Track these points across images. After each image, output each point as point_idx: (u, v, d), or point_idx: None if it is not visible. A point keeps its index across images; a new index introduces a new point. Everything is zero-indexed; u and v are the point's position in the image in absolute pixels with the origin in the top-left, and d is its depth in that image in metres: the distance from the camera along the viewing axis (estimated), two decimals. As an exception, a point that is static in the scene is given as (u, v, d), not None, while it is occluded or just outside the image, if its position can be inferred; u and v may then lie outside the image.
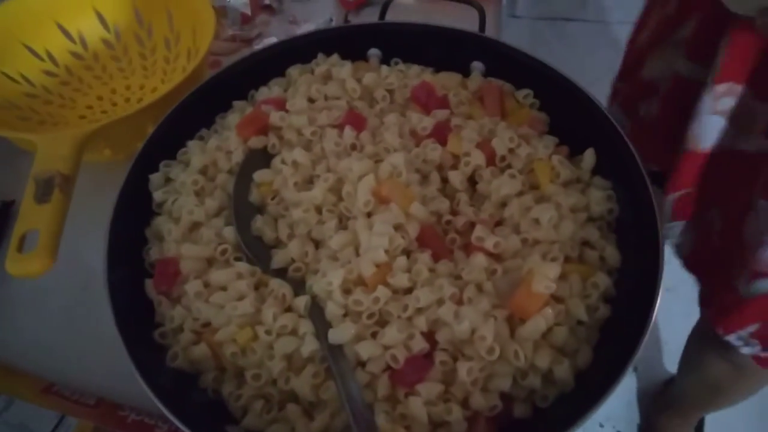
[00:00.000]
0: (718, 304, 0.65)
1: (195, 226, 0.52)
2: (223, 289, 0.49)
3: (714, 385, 0.92)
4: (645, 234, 0.48)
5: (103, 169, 0.63)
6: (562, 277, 0.46)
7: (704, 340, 0.89)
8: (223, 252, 0.51)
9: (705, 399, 1.03)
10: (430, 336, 0.45)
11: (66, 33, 0.75)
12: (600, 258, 0.50)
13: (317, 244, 0.52)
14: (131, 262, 0.52)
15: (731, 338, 0.65)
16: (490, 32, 0.68)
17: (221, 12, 0.84)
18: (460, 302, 0.46)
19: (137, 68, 0.77)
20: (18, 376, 0.56)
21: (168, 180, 0.56)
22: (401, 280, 0.47)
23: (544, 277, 0.44)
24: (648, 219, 0.48)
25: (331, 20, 0.84)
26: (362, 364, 0.45)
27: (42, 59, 0.73)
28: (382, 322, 0.46)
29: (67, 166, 0.54)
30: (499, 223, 0.52)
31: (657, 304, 0.44)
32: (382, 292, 0.46)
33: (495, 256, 0.49)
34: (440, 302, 0.46)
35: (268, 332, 0.46)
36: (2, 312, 0.61)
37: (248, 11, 0.85)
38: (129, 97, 0.76)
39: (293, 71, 0.62)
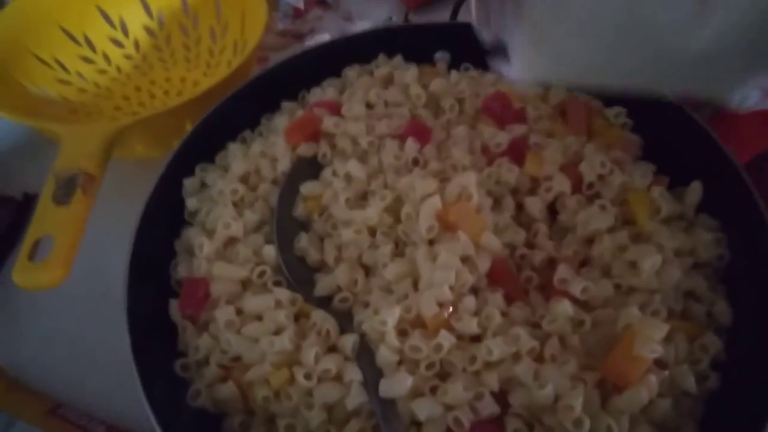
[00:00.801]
0: None
1: (231, 241, 0.46)
2: (259, 318, 0.42)
3: None
4: (762, 286, 0.40)
5: (134, 167, 0.57)
6: (666, 336, 0.38)
7: None
8: (261, 274, 0.44)
9: None
10: (501, 397, 0.38)
11: (107, 17, 0.69)
12: (707, 314, 0.41)
13: (368, 272, 0.45)
14: (156, 277, 0.46)
15: None
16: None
17: (272, 5, 0.77)
18: (539, 359, 0.38)
19: (179, 60, 0.72)
20: (22, 394, 0.50)
21: (204, 186, 0.50)
22: (470, 324, 0.39)
23: (649, 338, 0.36)
24: (766, 268, 0.40)
25: (390, 18, 0.78)
26: (418, 424, 0.38)
27: (79, 44, 0.68)
28: (444, 374, 0.39)
29: (94, 164, 0.48)
30: (584, 263, 0.44)
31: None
32: (445, 337, 0.38)
33: (581, 304, 0.41)
34: (516, 356, 0.38)
35: (307, 376, 0.39)
36: (10, 322, 0.55)
37: (301, 5, 0.79)
38: (168, 90, 0.70)
39: (350, 72, 0.55)
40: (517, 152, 0.48)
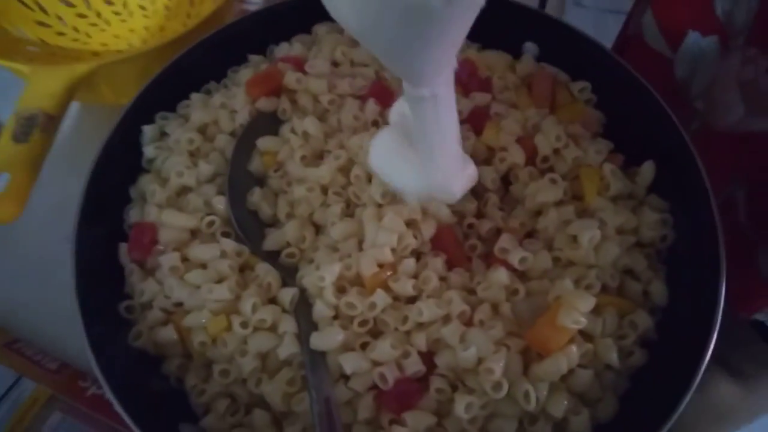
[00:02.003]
0: (741, 288, 0.56)
1: (183, 190, 0.46)
2: (203, 266, 0.43)
3: (718, 409, 0.83)
4: (703, 271, 0.40)
5: (107, 113, 0.57)
6: (596, 310, 0.39)
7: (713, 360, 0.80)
8: (210, 224, 0.44)
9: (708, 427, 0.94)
10: (428, 357, 0.38)
11: (88, -40, 0.69)
12: (643, 293, 0.42)
13: (318, 230, 0.45)
14: (109, 221, 0.46)
15: (759, 317, 0.56)
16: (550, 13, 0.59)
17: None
18: (469, 323, 0.39)
19: (160, 8, 0.71)
20: (-20, 327, 0.51)
21: (164, 135, 0.50)
22: (405, 286, 0.40)
23: (574, 309, 0.37)
24: (709, 253, 0.40)
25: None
26: (345, 378, 0.39)
27: (60, -14, 0.67)
28: (376, 332, 0.40)
29: (54, 104, 0.48)
30: (530, 235, 0.44)
31: (707, 358, 0.37)
32: (380, 297, 0.39)
33: (519, 274, 0.41)
34: (446, 319, 0.39)
35: (243, 324, 0.40)
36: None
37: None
38: (147, 40, 0.70)
39: (320, 29, 0.54)
40: (477, 121, 0.48)
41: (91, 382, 0.49)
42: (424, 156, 0.40)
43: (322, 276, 0.40)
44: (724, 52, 0.48)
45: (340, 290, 0.41)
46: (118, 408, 0.36)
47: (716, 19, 0.48)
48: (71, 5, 0.68)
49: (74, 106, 0.54)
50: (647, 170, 0.46)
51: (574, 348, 0.37)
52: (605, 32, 0.61)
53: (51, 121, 0.47)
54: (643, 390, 0.39)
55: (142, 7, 0.71)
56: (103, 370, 0.37)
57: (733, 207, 0.48)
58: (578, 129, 0.47)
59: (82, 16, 0.69)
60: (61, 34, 0.67)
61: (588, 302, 0.37)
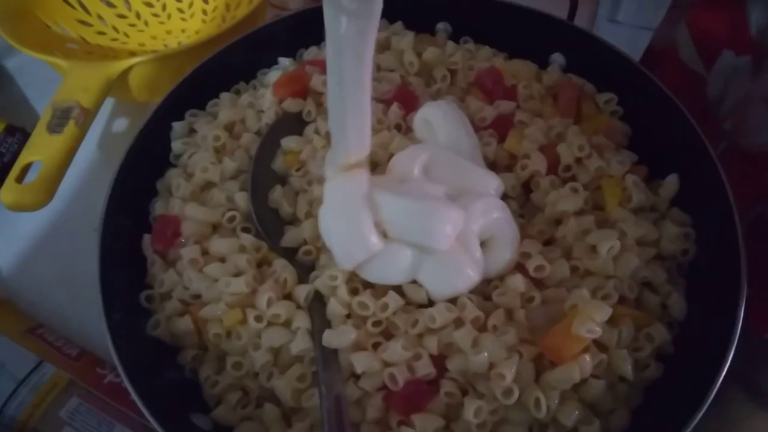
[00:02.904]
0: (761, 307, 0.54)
1: (207, 186, 0.47)
2: (222, 260, 0.43)
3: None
4: (723, 287, 0.39)
5: (138, 110, 0.59)
6: (612, 321, 0.38)
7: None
8: (231, 219, 0.45)
9: None
10: (439, 360, 0.38)
11: (131, -36, 0.71)
12: (662, 306, 0.41)
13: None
14: (135, 212, 0.47)
15: None
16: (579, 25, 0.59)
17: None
18: (482, 328, 0.39)
19: (197, 12, 0.73)
20: (5, 311, 0.53)
21: (193, 131, 0.51)
22: (419, 290, 0.40)
23: (590, 318, 0.36)
24: (730, 270, 0.39)
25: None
26: (356, 377, 0.39)
27: (102, -13, 0.70)
28: (388, 334, 0.40)
29: (90, 99, 0.50)
30: (548, 243, 0.44)
31: (722, 374, 0.36)
32: (393, 298, 0.39)
33: (536, 281, 0.41)
34: (458, 323, 0.39)
35: (258, 318, 0.40)
36: (7, 245, 0.58)
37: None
38: (182, 41, 0.72)
39: (349, 34, 0.55)
40: (500, 127, 0.48)
41: (109, 370, 0.50)
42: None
43: (334, 275, 0.40)
44: (756, 71, 0.48)
45: (353, 291, 0.41)
46: (132, 394, 0.37)
47: (751, 38, 0.47)
48: (112, 5, 0.71)
49: (107, 102, 0.56)
50: (671, 183, 0.45)
51: (587, 357, 0.36)
52: (639, 49, 0.61)
53: (85, 115, 0.49)
54: (658, 404, 0.38)
55: (180, 11, 0.73)
56: (121, 356, 0.38)
57: (760, 228, 0.47)
58: (602, 140, 0.47)
59: (121, 16, 0.71)
60: (101, 33, 0.70)
61: (604, 312, 0.37)
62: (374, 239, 0.39)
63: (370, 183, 0.40)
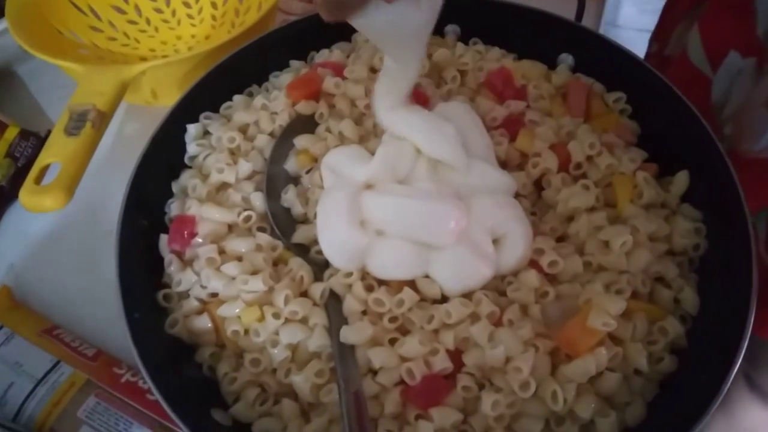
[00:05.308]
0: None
1: (223, 186, 0.48)
2: (239, 259, 0.44)
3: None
4: (734, 280, 0.40)
5: (151, 113, 0.60)
6: (626, 315, 0.39)
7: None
8: (247, 219, 0.46)
9: None
10: (456, 355, 0.39)
11: (141, -29, 0.72)
12: (674, 300, 0.42)
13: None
14: (151, 213, 0.48)
15: None
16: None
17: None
18: (498, 323, 0.39)
19: (206, 17, 0.74)
20: (22, 313, 0.53)
21: (207, 134, 0.52)
22: (432, 286, 0.40)
23: (604, 311, 0.37)
24: (741, 263, 0.40)
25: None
26: (373, 372, 0.39)
27: (113, -6, 0.71)
28: (404, 330, 0.40)
29: (105, 102, 0.51)
30: (561, 239, 0.44)
31: (736, 367, 0.36)
32: (408, 294, 0.40)
33: (550, 277, 0.42)
34: (474, 318, 0.39)
35: (276, 315, 0.41)
36: (23, 245, 0.59)
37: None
38: (192, 47, 0.73)
39: (360, 37, 0.56)
40: (511, 127, 0.49)
41: (125, 369, 0.50)
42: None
43: (349, 273, 0.41)
44: (758, 75, 0.48)
45: (368, 288, 0.41)
46: (153, 390, 0.37)
47: (757, 39, 0.47)
48: (123, 12, 0.72)
49: (121, 106, 0.57)
50: (681, 179, 0.46)
51: (603, 350, 0.37)
52: (639, 52, 0.61)
53: (102, 118, 0.49)
54: (673, 397, 0.39)
55: (190, 16, 0.74)
56: (141, 354, 0.39)
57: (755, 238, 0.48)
58: (612, 138, 0.48)
59: (132, 22, 0.72)
60: (112, 39, 0.70)
61: (618, 305, 0.37)
62: (356, 234, 0.41)
63: (357, 188, 0.43)
